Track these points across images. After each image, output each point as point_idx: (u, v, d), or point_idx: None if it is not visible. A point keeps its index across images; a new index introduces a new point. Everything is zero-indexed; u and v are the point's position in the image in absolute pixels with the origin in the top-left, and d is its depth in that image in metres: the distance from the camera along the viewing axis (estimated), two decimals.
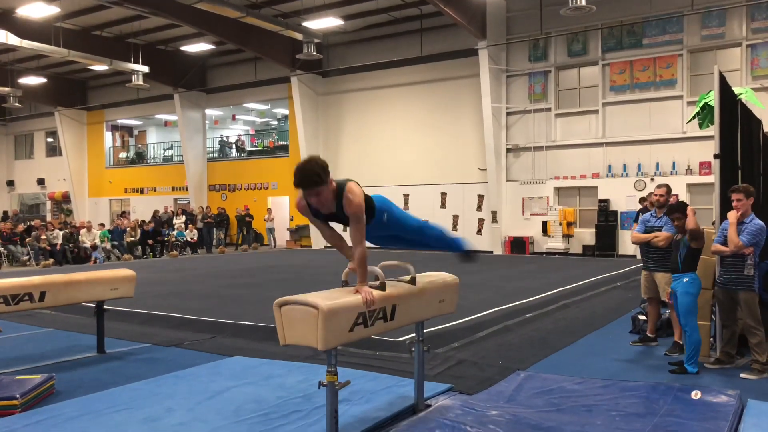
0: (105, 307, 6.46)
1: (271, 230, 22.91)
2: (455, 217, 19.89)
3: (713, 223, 6.51)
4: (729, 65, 15.65)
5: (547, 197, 18.45)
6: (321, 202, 3.56)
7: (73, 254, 18.00)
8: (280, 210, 23.55)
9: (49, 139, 30.61)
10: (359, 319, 3.50)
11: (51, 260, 17.17)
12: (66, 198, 29.30)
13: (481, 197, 19.45)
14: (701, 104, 8.80)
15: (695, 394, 4.55)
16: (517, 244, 18.62)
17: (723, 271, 5.53)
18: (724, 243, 5.43)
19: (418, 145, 20.42)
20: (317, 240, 22.30)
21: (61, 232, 18.34)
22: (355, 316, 3.47)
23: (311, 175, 3.44)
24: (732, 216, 5.41)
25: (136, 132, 30.24)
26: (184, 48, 22.08)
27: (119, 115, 28.31)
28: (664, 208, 6.44)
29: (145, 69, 20.45)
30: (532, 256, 17.85)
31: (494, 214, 18.91)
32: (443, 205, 20.06)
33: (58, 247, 17.78)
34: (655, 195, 6.67)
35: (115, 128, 29.17)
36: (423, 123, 20.49)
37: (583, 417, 4.21)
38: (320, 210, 3.65)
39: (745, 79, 15.61)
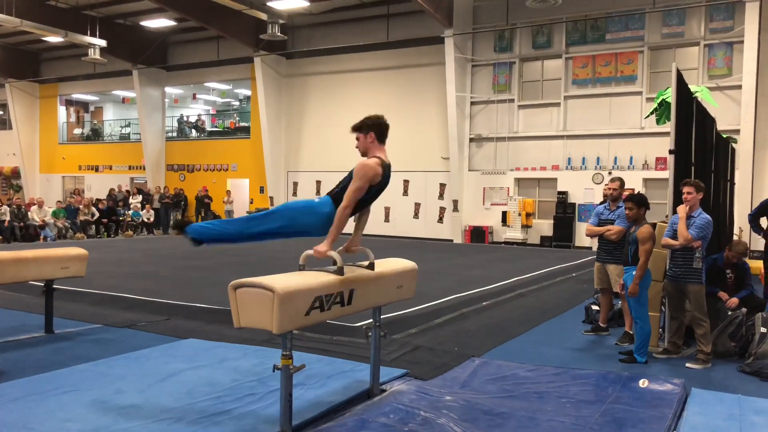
0: (54, 286, 6.28)
1: (229, 213, 22.58)
2: (417, 205, 19.96)
3: (666, 217, 6.68)
4: (687, 64, 16.05)
5: (508, 188, 18.67)
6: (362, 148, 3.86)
7: (22, 231, 17.40)
8: (240, 192, 23.22)
9: None
10: (316, 303, 3.47)
11: None
12: (16, 173, 28.26)
13: (443, 186, 19.56)
14: (659, 100, 9.04)
15: (643, 383, 4.69)
16: (477, 233, 18.81)
17: (673, 264, 5.68)
18: (674, 237, 5.58)
19: None
20: None
21: (9, 208, 17.70)
22: (312, 300, 3.45)
23: (364, 120, 3.83)
24: (681, 210, 5.55)
25: (92, 108, 29.30)
26: (144, 23, 21.42)
27: (74, 90, 27.36)
28: (618, 201, 6.58)
29: (103, 43, 19.79)
30: (491, 246, 18.07)
31: (455, 203, 19.05)
32: (405, 193, 20.09)
33: (6, 223, 17.16)
34: (609, 188, 6.79)
35: (69, 103, 28.18)
36: (387, 109, 19.95)
37: (534, 403, 4.29)
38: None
39: (702, 78, 16.03)
